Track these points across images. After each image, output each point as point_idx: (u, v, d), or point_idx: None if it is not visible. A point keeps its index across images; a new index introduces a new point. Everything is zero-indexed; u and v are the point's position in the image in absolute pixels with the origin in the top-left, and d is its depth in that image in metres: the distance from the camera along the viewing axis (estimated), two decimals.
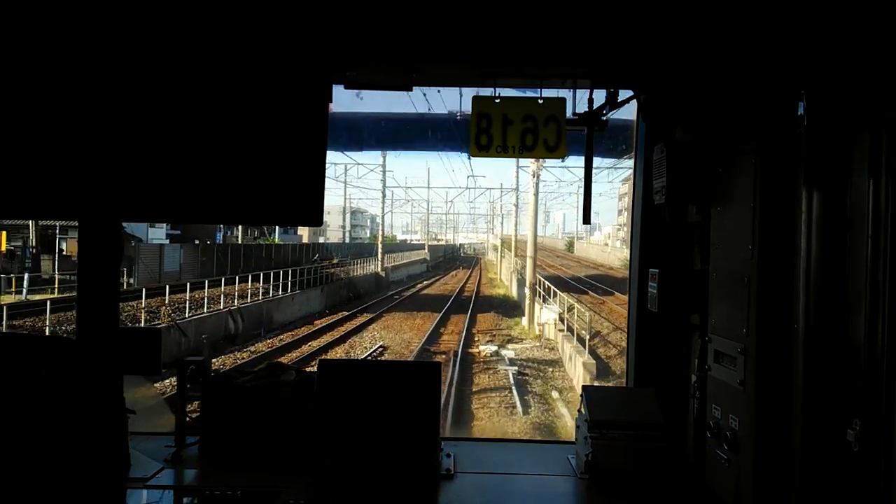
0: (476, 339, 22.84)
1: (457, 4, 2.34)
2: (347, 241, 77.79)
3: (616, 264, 54.82)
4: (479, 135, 2.91)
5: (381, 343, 21.28)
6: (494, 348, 20.55)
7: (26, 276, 25.03)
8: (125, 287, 25.34)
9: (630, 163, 3.26)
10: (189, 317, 20.80)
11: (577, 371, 16.52)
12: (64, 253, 32.78)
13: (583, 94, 2.94)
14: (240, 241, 44.92)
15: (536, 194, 30.47)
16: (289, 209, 2.11)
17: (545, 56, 2.65)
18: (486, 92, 2.94)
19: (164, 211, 2.18)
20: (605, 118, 2.91)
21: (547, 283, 27.74)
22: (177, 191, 2.06)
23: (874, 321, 1.82)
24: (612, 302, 29.35)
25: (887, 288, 1.78)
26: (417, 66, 2.70)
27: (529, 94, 2.97)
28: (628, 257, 3.52)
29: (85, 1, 2.10)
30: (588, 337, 18.49)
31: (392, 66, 2.71)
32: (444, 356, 19.22)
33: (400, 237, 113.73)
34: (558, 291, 25.27)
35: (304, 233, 62.97)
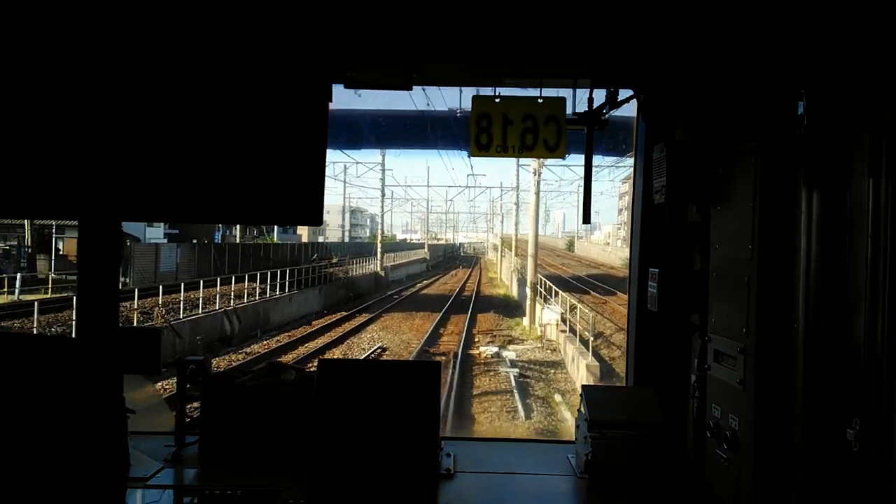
0: (476, 339, 22.71)
1: (457, 4, 2.36)
2: (347, 240, 77.80)
3: (617, 263, 54.81)
4: (478, 134, 2.93)
5: (380, 344, 21.18)
6: (495, 349, 20.33)
7: (18, 276, 24.90)
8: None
9: (632, 161, 3.28)
10: (184, 318, 20.51)
11: (581, 373, 16.33)
12: (61, 252, 32.78)
13: (583, 94, 2.97)
14: (238, 241, 44.91)
15: (538, 192, 30.38)
16: (289, 209, 2.13)
17: (545, 56, 2.67)
18: (486, 91, 2.97)
19: (165, 211, 2.20)
20: (605, 117, 2.94)
21: (548, 282, 27.64)
22: (177, 190, 2.08)
23: (874, 321, 1.83)
24: (614, 302, 29.32)
25: (887, 288, 1.80)
26: (417, 65, 2.73)
27: (529, 93, 2.99)
28: (628, 257, 3.55)
29: (85, 1, 2.12)
30: (591, 338, 18.32)
31: (392, 65, 2.73)
32: (443, 358, 19.05)
33: (400, 236, 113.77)
34: (560, 291, 25.13)
35: (303, 232, 62.98)
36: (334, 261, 47.04)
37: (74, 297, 19.21)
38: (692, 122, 2.69)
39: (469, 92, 3.04)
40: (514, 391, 15.56)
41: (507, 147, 2.94)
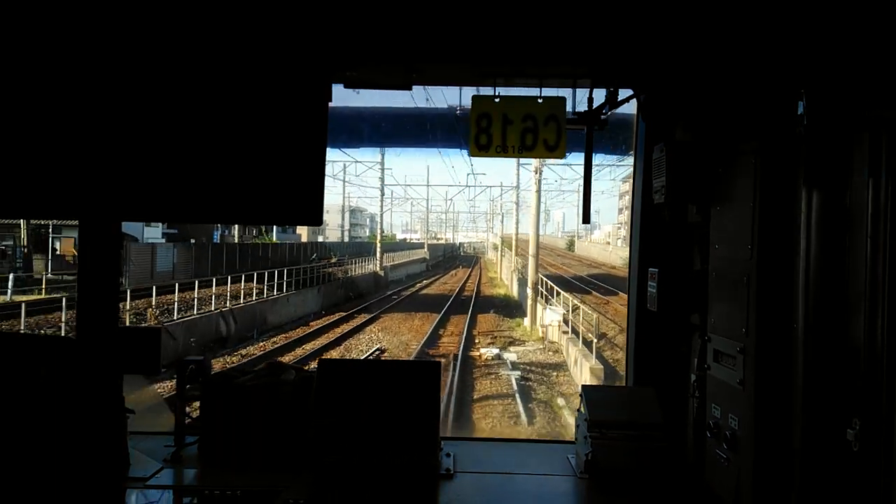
0: (477, 341, 22.60)
1: (457, 4, 2.38)
2: (346, 240, 77.86)
3: (618, 263, 54.81)
4: (478, 134, 2.96)
5: (379, 346, 21.10)
6: (496, 351, 20.18)
7: (11, 276, 24.73)
8: None
9: (633, 160, 3.31)
10: (177, 319, 20.35)
11: (584, 376, 16.10)
12: (58, 252, 32.77)
13: (583, 94, 2.99)
14: (236, 241, 44.91)
15: (539, 191, 30.25)
16: (289, 209, 2.14)
17: (545, 56, 2.70)
18: (486, 91, 2.98)
19: (165, 210, 2.21)
20: (604, 117, 2.96)
21: (549, 282, 27.56)
22: (177, 190, 2.09)
23: (874, 321, 1.85)
24: (616, 302, 29.27)
25: (887, 287, 1.81)
26: (417, 65, 2.75)
27: (529, 93, 3.01)
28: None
29: (85, 1, 2.14)
30: (595, 340, 18.03)
31: (392, 65, 2.76)
32: (443, 360, 18.84)
33: (400, 236, 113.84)
34: (562, 291, 25.00)
35: (302, 232, 63.03)
36: (333, 260, 47.03)
37: (64, 299, 19.05)
38: (692, 122, 2.71)
39: (469, 91, 3.07)
40: (516, 395, 15.31)
41: (507, 147, 2.96)
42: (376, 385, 2.79)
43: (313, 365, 2.97)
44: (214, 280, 25.60)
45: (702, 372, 2.64)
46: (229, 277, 26.63)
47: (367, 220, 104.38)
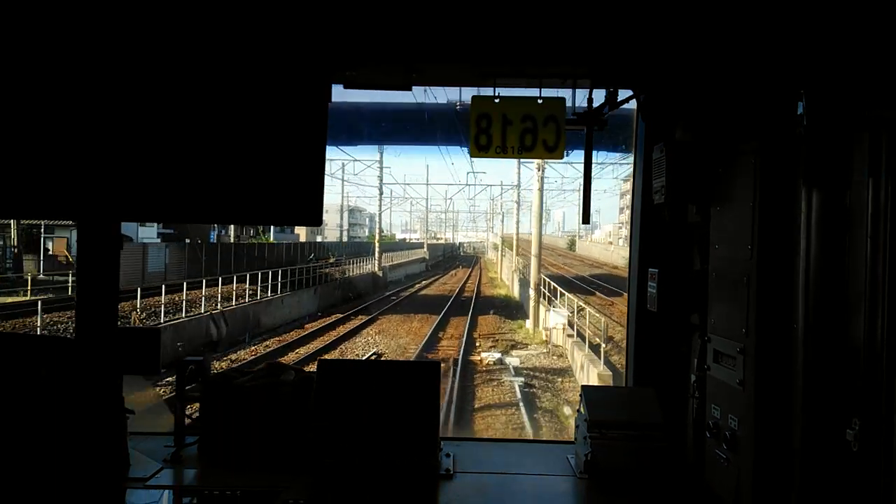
0: (477, 344, 22.36)
1: (457, 4, 2.43)
2: (345, 240, 77.82)
3: (621, 263, 54.69)
4: (478, 135, 3.01)
5: (376, 350, 20.89)
6: (497, 355, 19.79)
7: None
8: None
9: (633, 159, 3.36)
10: (165, 322, 19.84)
11: (592, 383, 15.20)
12: (50, 253, 32.72)
13: (582, 94, 3.04)
14: (232, 240, 44.87)
15: (541, 189, 30.07)
16: (289, 209, 2.17)
17: (545, 56, 2.75)
18: (486, 91, 3.04)
19: (164, 210, 2.24)
20: (605, 117, 3.01)
21: (552, 283, 27.34)
22: (177, 191, 2.12)
23: (873, 321, 1.88)
24: (621, 304, 29.05)
25: (887, 287, 1.84)
26: (417, 65, 2.80)
27: (529, 93, 3.07)
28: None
29: (84, 0, 2.18)
30: (603, 345, 17.43)
31: (392, 65, 2.80)
32: (443, 365, 18.44)
33: (399, 236, 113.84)
34: (565, 293, 24.72)
35: (301, 232, 62.99)
36: (331, 261, 46.98)
37: (40, 302, 18.81)
38: (692, 122, 2.76)
39: (469, 91, 3.12)
40: (520, 404, 14.90)
41: (507, 148, 3.02)
42: (376, 385, 2.83)
43: (313, 366, 3.02)
44: (204, 281, 25.13)
45: (701, 372, 2.69)
46: (220, 279, 26.25)
47: (367, 219, 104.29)
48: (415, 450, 2.76)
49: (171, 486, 2.66)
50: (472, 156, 3.04)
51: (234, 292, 25.65)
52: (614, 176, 46.37)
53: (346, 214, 79.30)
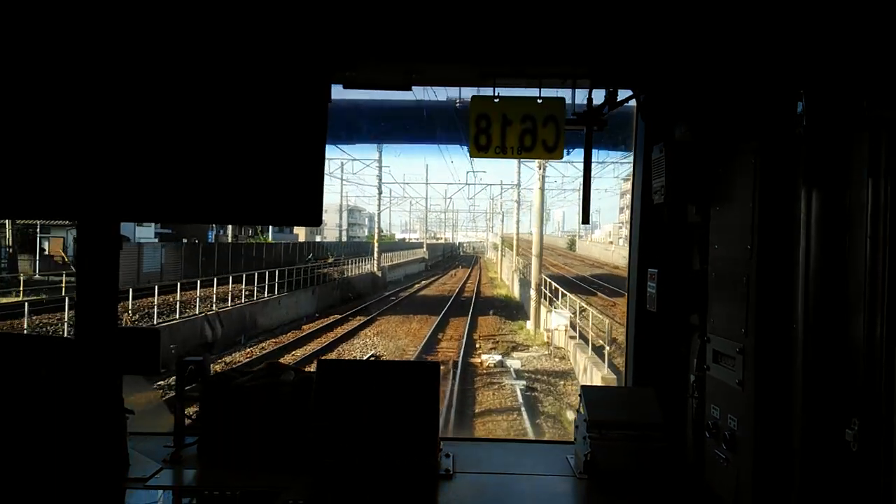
0: (478, 346, 22.26)
1: (457, 4, 2.45)
2: (344, 239, 77.86)
3: (621, 263, 54.61)
4: (478, 135, 3.04)
5: (374, 352, 20.81)
6: (498, 358, 19.74)
7: None
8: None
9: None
10: (158, 324, 19.65)
11: None
12: (46, 252, 32.69)
13: (582, 95, 3.07)
14: (230, 240, 44.85)
15: (542, 188, 30.02)
16: (288, 209, 2.21)
17: (545, 56, 2.78)
18: (486, 91, 3.06)
19: (164, 211, 2.27)
20: (605, 116, 3.04)
21: (553, 283, 27.29)
22: (177, 191, 2.15)
23: (873, 321, 1.90)
24: (623, 305, 28.82)
25: (886, 287, 1.86)
26: (417, 65, 2.83)
27: (528, 93, 3.09)
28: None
29: (85, 0, 2.20)
30: (608, 347, 17.20)
31: (392, 65, 2.83)
32: (442, 367, 18.34)
33: (399, 236, 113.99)
34: (567, 293, 24.62)
35: (300, 232, 63.02)
36: (330, 261, 47.00)
37: (27, 304, 18.64)
38: (691, 122, 2.78)
39: (469, 90, 3.14)
40: (522, 408, 14.68)
41: (506, 148, 3.04)
42: (376, 386, 2.86)
43: (312, 366, 3.04)
44: (199, 282, 24.82)
45: (701, 372, 2.71)
46: (216, 279, 26.05)
47: (366, 219, 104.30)
48: (414, 450, 2.78)
49: (171, 487, 2.68)
50: (471, 156, 3.08)
51: (230, 293, 25.50)
52: (615, 175, 46.44)
53: (345, 214, 79.32)
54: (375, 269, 45.82)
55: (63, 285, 26.30)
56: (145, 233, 37.86)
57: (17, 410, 2.53)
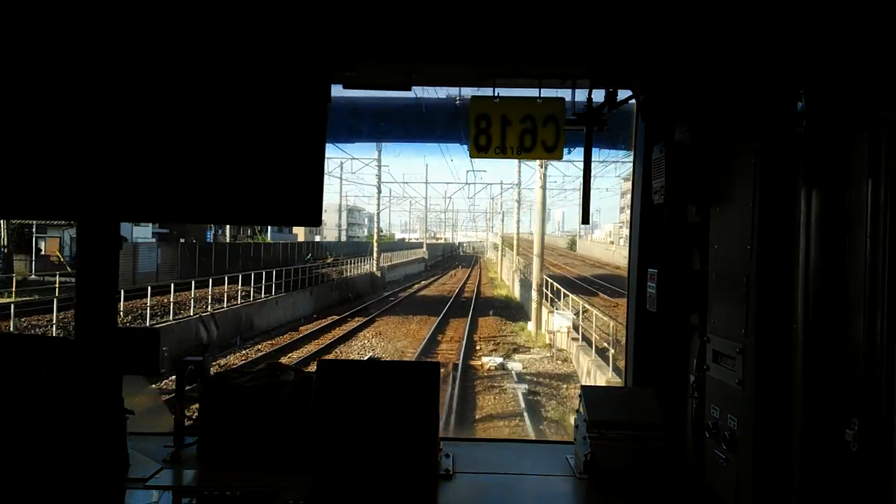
0: (478, 347, 22.18)
1: (457, 4, 2.48)
2: (344, 239, 77.90)
3: (623, 263, 54.38)
4: (477, 135, 3.06)
5: (372, 354, 20.72)
6: (499, 360, 19.59)
7: None
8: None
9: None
10: (150, 326, 19.10)
11: None
12: (42, 252, 32.64)
13: (582, 95, 3.09)
14: (228, 240, 44.84)
15: (544, 187, 29.92)
16: (288, 209, 2.23)
17: (545, 56, 2.80)
18: (485, 91, 3.08)
19: (164, 211, 2.30)
20: (606, 116, 3.06)
21: (555, 283, 27.22)
22: (176, 191, 2.17)
23: (873, 321, 1.91)
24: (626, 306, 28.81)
25: (886, 287, 1.88)
26: (417, 65, 2.85)
27: (528, 93, 3.11)
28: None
29: (84, 1, 2.22)
30: (612, 350, 16.84)
31: (392, 65, 2.86)
32: (442, 371, 18.21)
33: (398, 236, 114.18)
34: (569, 294, 24.53)
35: (299, 232, 63.06)
36: (329, 261, 47.01)
37: (13, 306, 18.50)
38: (691, 122, 2.80)
39: (469, 90, 3.17)
40: (525, 414, 14.43)
41: (506, 148, 3.07)
42: (376, 386, 2.88)
43: (312, 366, 3.06)
44: (193, 283, 24.51)
45: (701, 373, 2.74)
46: (211, 280, 25.74)
47: (365, 219, 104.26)
48: (414, 450, 2.81)
49: (171, 487, 2.70)
50: (471, 156, 3.10)
51: (226, 293, 25.37)
52: (617, 174, 46.45)
53: (344, 214, 79.35)
54: (375, 269, 45.84)
55: (57, 286, 26.25)
56: (142, 233, 37.81)
57: (17, 410, 2.56)
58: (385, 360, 17.40)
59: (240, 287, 26.45)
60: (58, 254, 32.76)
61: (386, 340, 23.46)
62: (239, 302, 25.43)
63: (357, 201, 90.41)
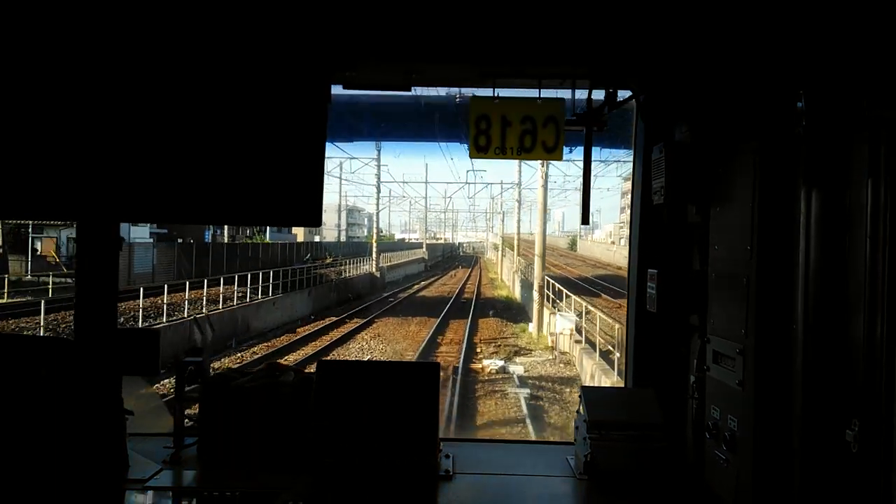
0: (479, 350, 22.08)
1: (457, 4, 2.50)
2: (343, 239, 77.95)
3: (624, 263, 54.43)
4: (477, 136, 3.09)
5: (370, 357, 20.58)
6: (500, 363, 19.40)
7: None
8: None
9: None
10: (142, 328, 18.89)
11: None
12: (38, 253, 32.61)
13: (582, 95, 3.11)
14: (226, 240, 44.83)
15: (545, 186, 29.96)
16: (288, 210, 2.24)
17: (545, 56, 2.83)
18: (485, 92, 3.11)
19: (164, 211, 2.31)
20: (606, 117, 3.09)
21: (557, 284, 27.14)
22: (176, 191, 2.18)
23: (873, 321, 1.93)
24: None
25: (886, 287, 1.89)
26: (417, 65, 2.88)
27: (528, 94, 3.14)
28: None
29: (84, 1, 2.24)
30: (617, 353, 16.37)
31: (392, 65, 2.89)
32: (441, 374, 17.90)
33: (398, 236, 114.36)
34: (571, 295, 24.38)
35: (298, 232, 63.12)
36: (328, 261, 47.03)
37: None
38: (691, 122, 2.83)
39: (469, 90, 3.18)
40: (527, 420, 14.19)
41: (506, 149, 3.10)
42: (376, 386, 2.91)
43: (312, 366, 3.09)
44: (188, 284, 24.48)
45: (701, 373, 2.76)
46: (206, 281, 25.81)
47: (365, 219, 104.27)
48: (414, 450, 2.83)
49: (171, 488, 2.73)
50: (471, 157, 3.12)
51: (222, 294, 25.28)
52: (618, 174, 46.48)
53: (343, 214, 79.42)
54: (374, 269, 45.85)
55: (50, 286, 26.21)
56: (140, 233, 37.78)
57: (17, 411, 2.58)
58: (385, 360, 17.30)
59: (236, 288, 26.38)
60: (53, 254, 32.76)
61: (385, 342, 23.39)
62: (235, 303, 25.34)
63: (357, 201, 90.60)
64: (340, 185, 62.31)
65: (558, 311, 24.26)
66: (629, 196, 3.59)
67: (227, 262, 35.61)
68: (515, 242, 50.72)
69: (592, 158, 3.27)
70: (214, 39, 2.26)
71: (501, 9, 2.51)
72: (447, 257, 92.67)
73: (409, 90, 3.04)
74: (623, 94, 3.05)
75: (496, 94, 3.10)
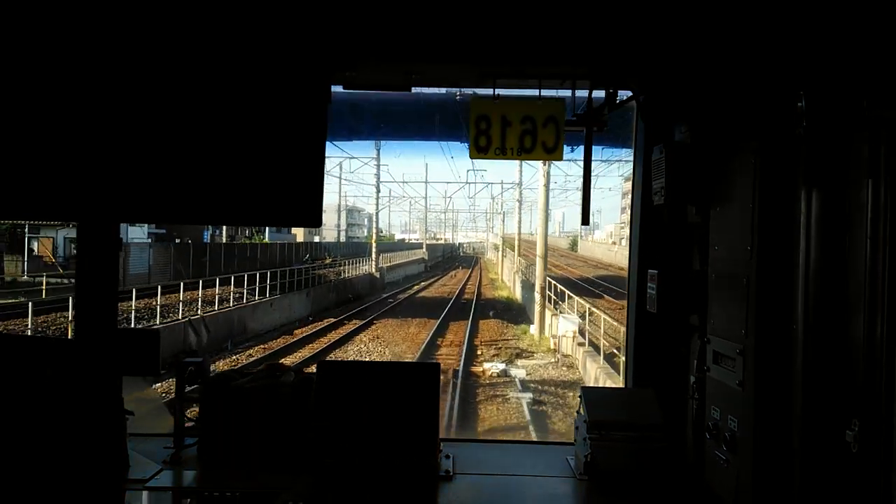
0: (479, 352, 21.90)
1: (457, 4, 2.52)
2: (343, 240, 77.94)
3: (626, 264, 54.43)
4: (477, 136, 3.11)
5: (369, 360, 20.12)
6: (502, 366, 19.13)
7: None
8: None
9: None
10: (143, 328, 18.37)
11: None
12: (35, 253, 32.60)
13: (582, 95, 3.13)
14: (224, 240, 44.81)
15: (547, 185, 29.86)
16: (288, 210, 2.27)
17: (545, 56, 2.85)
18: (485, 92, 3.13)
19: (164, 211, 2.33)
20: (606, 117, 3.11)
21: (558, 285, 27.09)
22: (176, 191, 2.21)
23: (873, 321, 1.95)
24: None
25: (886, 287, 1.91)
26: (417, 66, 2.91)
27: (528, 94, 3.16)
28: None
29: (85, 1, 2.26)
30: (622, 357, 15.47)
31: (392, 66, 2.91)
32: (441, 377, 17.69)
33: (398, 236, 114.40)
34: (574, 296, 24.25)
35: (298, 232, 63.15)
36: (328, 261, 47.03)
37: None
38: (691, 122, 2.85)
39: (470, 90, 3.21)
40: (530, 426, 13.94)
41: (506, 149, 3.11)
42: (376, 386, 2.93)
43: (312, 367, 3.11)
44: (182, 284, 24.24)
45: (701, 373, 2.79)
46: (201, 282, 25.45)
47: (365, 219, 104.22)
48: (414, 451, 2.86)
49: (171, 488, 2.75)
50: (471, 157, 3.13)
51: (218, 296, 25.13)
52: (620, 174, 46.51)
53: (343, 214, 79.40)
54: (373, 270, 45.84)
55: (44, 287, 26.15)
56: (138, 233, 37.78)
57: (23, 411, 2.61)
58: (385, 360, 17.22)
59: (233, 289, 26.30)
60: (49, 255, 32.75)
61: (384, 345, 23.28)
62: (232, 304, 25.18)
63: (356, 201, 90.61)
64: (340, 185, 62.44)
65: (560, 312, 24.13)
66: (629, 197, 3.60)
67: (225, 263, 35.49)
68: (516, 243, 50.69)
69: (593, 158, 3.29)
70: (214, 40, 2.28)
71: (501, 9, 2.53)
72: (447, 258, 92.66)
73: (409, 90, 3.07)
74: (623, 95, 3.07)
75: (496, 95, 3.12)
